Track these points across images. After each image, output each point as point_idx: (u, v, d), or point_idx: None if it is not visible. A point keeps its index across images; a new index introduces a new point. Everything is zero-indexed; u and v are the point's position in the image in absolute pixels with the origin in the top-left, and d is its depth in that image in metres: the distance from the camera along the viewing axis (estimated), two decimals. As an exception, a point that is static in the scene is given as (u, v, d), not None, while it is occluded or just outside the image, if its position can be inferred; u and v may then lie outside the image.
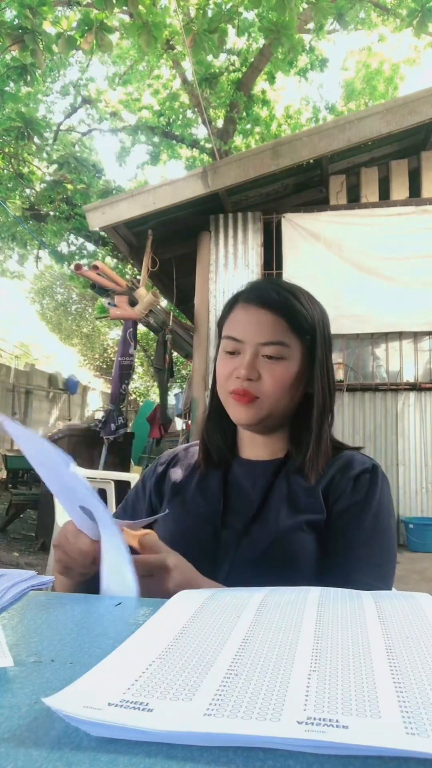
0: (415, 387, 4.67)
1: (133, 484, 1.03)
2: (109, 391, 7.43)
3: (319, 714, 0.31)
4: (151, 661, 0.40)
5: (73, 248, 9.96)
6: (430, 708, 0.32)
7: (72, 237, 9.47)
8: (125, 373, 4.97)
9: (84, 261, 9.14)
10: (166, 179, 4.70)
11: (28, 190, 8.77)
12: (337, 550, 0.78)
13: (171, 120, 10.44)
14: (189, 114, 10.61)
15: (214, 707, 0.33)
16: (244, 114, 10.07)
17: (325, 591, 0.56)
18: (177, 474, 0.94)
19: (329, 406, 0.87)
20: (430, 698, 0.33)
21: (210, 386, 0.95)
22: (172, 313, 5.76)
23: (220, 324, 0.91)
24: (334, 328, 4.28)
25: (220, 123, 10.12)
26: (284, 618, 0.48)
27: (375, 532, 0.79)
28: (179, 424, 7.66)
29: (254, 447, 0.91)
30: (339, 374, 4.65)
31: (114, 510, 1.01)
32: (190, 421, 5.35)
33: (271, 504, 0.84)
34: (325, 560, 0.78)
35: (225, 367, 0.85)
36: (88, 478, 3.45)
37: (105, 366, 18.98)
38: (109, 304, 4.81)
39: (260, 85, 10.17)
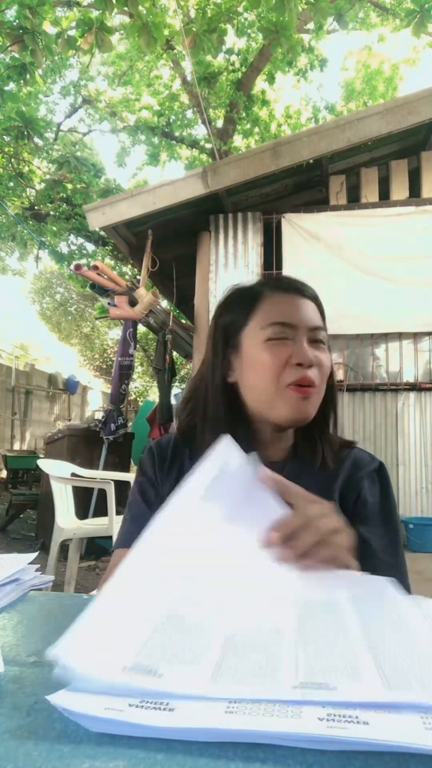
0: (415, 387, 4.67)
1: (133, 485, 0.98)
2: (109, 391, 7.43)
3: (339, 711, 0.32)
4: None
5: (73, 248, 9.96)
6: None
7: (72, 237, 9.46)
8: (125, 373, 4.96)
9: (84, 261, 9.14)
10: (166, 179, 4.70)
11: (28, 190, 8.77)
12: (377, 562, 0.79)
13: (171, 120, 10.44)
14: (189, 114, 10.61)
15: (234, 705, 0.33)
16: (244, 114, 10.07)
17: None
18: (177, 471, 0.90)
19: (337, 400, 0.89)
20: None
21: (211, 390, 0.86)
22: (172, 313, 5.76)
23: (234, 322, 0.84)
24: (334, 328, 4.25)
25: (219, 123, 10.12)
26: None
27: (395, 526, 0.82)
28: (179, 424, 7.64)
29: (266, 447, 0.85)
30: (339, 374, 4.65)
31: (114, 509, 0.97)
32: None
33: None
34: None
35: (275, 356, 0.78)
36: (88, 478, 3.38)
37: (105, 366, 18.97)
38: (109, 304, 4.81)
39: (260, 85, 10.17)
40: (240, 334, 0.83)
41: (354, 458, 0.87)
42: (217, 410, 0.85)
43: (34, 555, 0.67)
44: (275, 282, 0.86)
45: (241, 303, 0.85)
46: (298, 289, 0.84)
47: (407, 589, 0.77)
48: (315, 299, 0.85)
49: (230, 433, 0.83)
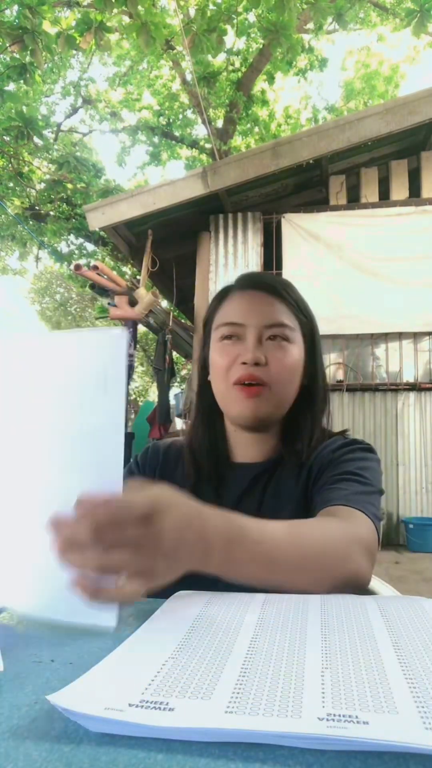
0: (415, 387, 4.67)
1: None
2: (109, 391, 7.40)
3: (338, 710, 0.32)
4: (163, 661, 0.40)
5: (72, 248, 9.97)
6: None
7: (72, 237, 9.46)
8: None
9: (84, 261, 9.14)
10: (166, 179, 4.70)
11: (28, 190, 8.77)
12: (320, 497, 0.73)
13: (171, 120, 10.45)
14: (189, 114, 10.61)
15: (234, 705, 0.33)
16: (244, 114, 10.07)
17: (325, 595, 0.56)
18: (168, 477, 0.89)
19: (327, 400, 0.86)
20: None
21: (197, 387, 0.88)
22: (172, 313, 5.76)
23: (209, 319, 0.86)
24: (334, 328, 4.24)
25: (219, 123, 10.12)
26: (288, 619, 0.48)
27: (355, 470, 0.74)
28: (179, 424, 7.66)
29: (247, 448, 0.85)
30: (339, 374, 4.64)
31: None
32: (190, 422, 5.34)
33: (264, 511, 0.79)
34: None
35: (225, 356, 0.78)
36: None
37: (105, 366, 18.94)
38: (109, 304, 4.81)
39: (260, 85, 10.17)
40: (210, 333, 0.85)
41: (328, 443, 0.82)
42: (196, 409, 0.87)
43: None
44: (237, 281, 0.85)
45: (214, 302, 0.86)
46: (258, 285, 0.82)
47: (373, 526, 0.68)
48: (280, 294, 0.80)
49: (209, 432, 0.85)
